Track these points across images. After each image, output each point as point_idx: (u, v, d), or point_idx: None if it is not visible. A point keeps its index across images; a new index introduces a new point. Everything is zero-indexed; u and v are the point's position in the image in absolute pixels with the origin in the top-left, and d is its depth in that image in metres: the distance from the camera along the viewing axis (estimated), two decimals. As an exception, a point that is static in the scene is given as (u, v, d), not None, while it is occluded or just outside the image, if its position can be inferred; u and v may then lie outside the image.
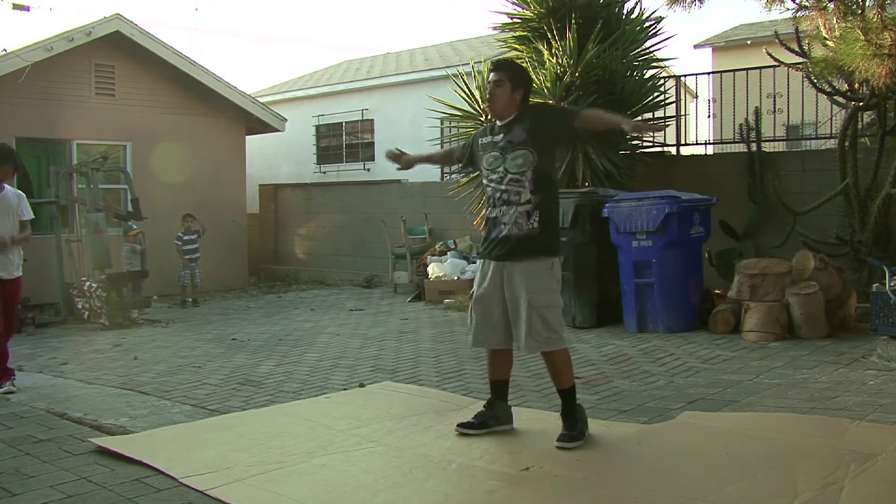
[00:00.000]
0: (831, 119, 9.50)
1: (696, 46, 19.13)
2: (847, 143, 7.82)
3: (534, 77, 8.19)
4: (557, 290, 4.10)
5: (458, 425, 4.26)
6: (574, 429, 3.99)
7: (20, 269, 5.99)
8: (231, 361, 6.75)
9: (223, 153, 12.92)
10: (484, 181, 4.29)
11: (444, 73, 11.91)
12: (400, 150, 4.67)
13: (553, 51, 8.56)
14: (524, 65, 8.56)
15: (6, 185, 5.96)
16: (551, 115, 4.39)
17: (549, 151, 4.14)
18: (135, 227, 10.46)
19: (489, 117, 4.32)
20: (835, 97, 8.02)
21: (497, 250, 4.12)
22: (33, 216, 6.21)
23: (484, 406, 4.33)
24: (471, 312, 4.23)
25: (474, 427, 4.21)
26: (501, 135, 4.14)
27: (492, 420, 4.24)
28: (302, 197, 14.42)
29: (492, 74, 4.21)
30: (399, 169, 4.71)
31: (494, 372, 4.32)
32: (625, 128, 4.11)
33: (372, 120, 16.34)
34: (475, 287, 4.26)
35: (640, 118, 9.13)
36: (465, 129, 9.68)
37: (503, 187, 4.09)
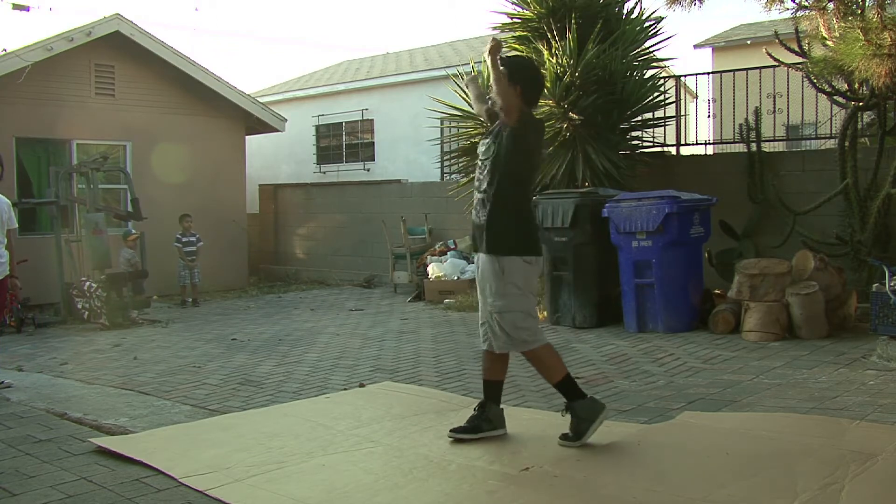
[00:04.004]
0: (831, 119, 9.49)
1: (696, 46, 19.13)
2: (847, 143, 7.82)
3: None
4: (514, 294, 3.96)
5: (450, 431, 4.17)
6: (576, 428, 3.97)
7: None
8: (231, 361, 6.75)
9: (223, 153, 12.92)
10: None
11: (444, 73, 11.90)
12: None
13: (553, 51, 8.56)
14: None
15: None
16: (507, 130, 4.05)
17: (506, 151, 4.00)
18: (134, 231, 10.45)
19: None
20: (835, 97, 8.02)
21: (472, 240, 4.28)
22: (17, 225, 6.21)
23: (475, 409, 4.22)
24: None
25: (467, 432, 4.13)
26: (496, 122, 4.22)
27: (484, 423, 4.15)
28: (302, 197, 14.41)
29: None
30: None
31: (488, 370, 4.23)
32: None
33: (372, 120, 16.34)
34: None
35: (639, 119, 9.20)
36: (464, 129, 9.69)
37: (476, 171, 4.25)
